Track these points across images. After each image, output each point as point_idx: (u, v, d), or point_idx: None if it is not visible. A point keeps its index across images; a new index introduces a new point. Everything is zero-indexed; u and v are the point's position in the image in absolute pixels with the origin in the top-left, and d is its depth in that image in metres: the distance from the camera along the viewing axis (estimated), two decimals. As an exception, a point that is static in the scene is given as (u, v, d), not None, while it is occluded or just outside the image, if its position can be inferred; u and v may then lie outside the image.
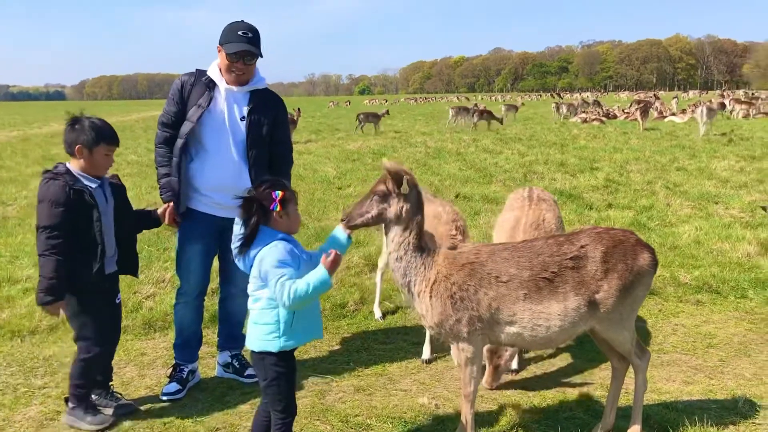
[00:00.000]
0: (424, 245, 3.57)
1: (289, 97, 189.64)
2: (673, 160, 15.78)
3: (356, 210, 3.57)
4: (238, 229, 3.24)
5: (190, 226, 4.49)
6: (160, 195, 4.48)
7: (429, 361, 5.08)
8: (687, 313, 6.08)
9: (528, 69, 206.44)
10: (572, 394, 4.50)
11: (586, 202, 10.78)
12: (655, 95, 36.24)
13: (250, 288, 3.29)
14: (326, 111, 59.84)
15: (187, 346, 4.70)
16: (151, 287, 6.54)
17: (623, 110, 36.96)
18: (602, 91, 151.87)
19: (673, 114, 33.95)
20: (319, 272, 3.11)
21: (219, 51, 4.39)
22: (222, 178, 4.39)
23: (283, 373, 3.29)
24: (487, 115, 29.49)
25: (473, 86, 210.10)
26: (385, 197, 3.52)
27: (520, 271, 3.45)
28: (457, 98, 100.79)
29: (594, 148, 18.89)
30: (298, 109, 26.90)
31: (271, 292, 3.15)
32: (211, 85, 4.39)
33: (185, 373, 4.63)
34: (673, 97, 54.47)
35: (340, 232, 3.55)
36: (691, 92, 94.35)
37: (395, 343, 5.47)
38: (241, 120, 4.41)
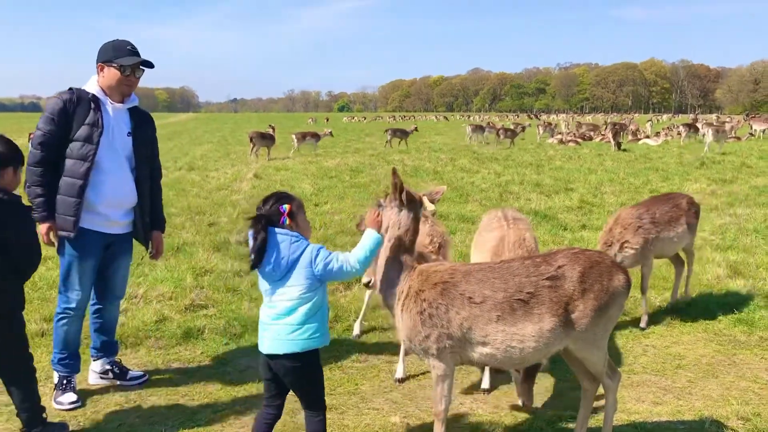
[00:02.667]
0: (401, 257, 3.66)
1: (268, 113, 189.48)
2: (646, 182, 16.03)
3: (366, 220, 3.80)
4: (251, 246, 3.41)
5: (82, 244, 4.48)
6: (35, 215, 4.34)
7: (402, 380, 5.09)
8: (657, 334, 6.15)
9: (506, 90, 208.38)
10: (543, 414, 4.53)
11: (561, 223, 10.89)
12: (619, 123, 36.82)
13: (297, 293, 3.37)
14: (305, 127, 59.81)
15: (74, 358, 4.72)
16: (124, 303, 6.46)
17: (599, 132, 37.43)
18: (579, 112, 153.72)
19: (648, 137, 34.45)
20: (370, 234, 3.53)
21: (102, 69, 4.47)
22: (119, 195, 4.55)
23: (319, 369, 3.52)
24: (510, 133, 31.13)
25: (451, 105, 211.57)
26: (381, 208, 3.80)
27: (495, 293, 3.45)
28: (435, 117, 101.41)
29: (569, 169, 19.12)
30: (272, 126, 26.87)
31: (340, 272, 3.42)
32: (96, 102, 4.42)
33: (74, 382, 4.71)
34: (648, 120, 55.35)
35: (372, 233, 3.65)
36: (665, 115, 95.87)
37: (369, 361, 5.47)
38: (127, 136, 4.58)
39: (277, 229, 3.39)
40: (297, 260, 3.37)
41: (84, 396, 4.71)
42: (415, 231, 3.74)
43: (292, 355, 3.38)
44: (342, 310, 6.52)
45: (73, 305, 4.59)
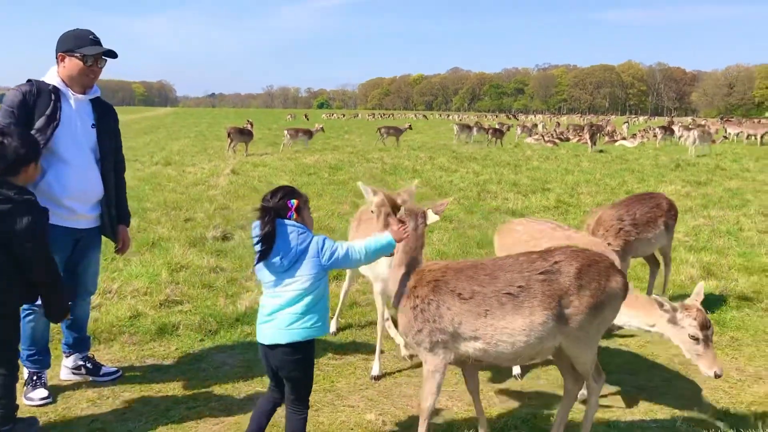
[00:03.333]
0: (405, 265, 3.79)
1: (246, 108, 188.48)
2: (622, 183, 16.19)
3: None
4: (256, 233, 3.46)
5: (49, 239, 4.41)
6: None
7: (378, 378, 5.09)
8: (631, 334, 6.21)
9: (485, 89, 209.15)
10: (518, 412, 4.55)
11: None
12: (596, 124, 37.21)
13: (298, 285, 3.43)
14: (284, 123, 59.59)
15: (43, 354, 4.66)
16: (98, 298, 6.39)
17: (576, 132, 37.76)
18: (556, 113, 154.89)
19: (624, 138, 34.82)
20: (385, 236, 3.60)
21: (63, 59, 4.38)
22: (84, 188, 4.47)
23: (311, 362, 3.59)
24: (498, 133, 31.62)
25: (431, 104, 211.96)
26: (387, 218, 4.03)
27: (484, 288, 3.53)
28: (415, 116, 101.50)
29: (546, 169, 19.26)
30: (249, 121, 26.71)
31: (345, 260, 3.52)
32: (57, 94, 4.35)
33: (45, 378, 4.66)
34: (624, 122, 55.91)
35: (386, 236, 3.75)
36: (641, 117, 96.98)
37: (345, 359, 5.46)
38: (91, 128, 4.52)
39: (285, 221, 3.47)
40: (305, 251, 3.45)
41: (55, 392, 4.64)
42: (421, 241, 3.85)
43: (293, 345, 3.44)
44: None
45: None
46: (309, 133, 27.31)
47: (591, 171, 18.79)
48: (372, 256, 3.62)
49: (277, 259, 3.44)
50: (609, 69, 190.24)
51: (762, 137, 34.16)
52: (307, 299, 3.45)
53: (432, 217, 3.87)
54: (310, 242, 3.47)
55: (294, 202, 3.48)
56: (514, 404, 4.70)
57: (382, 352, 5.29)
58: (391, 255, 3.79)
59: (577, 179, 16.84)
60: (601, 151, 27.40)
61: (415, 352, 3.89)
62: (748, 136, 35.71)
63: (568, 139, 35.07)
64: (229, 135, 23.50)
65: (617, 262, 5.10)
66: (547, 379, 5.16)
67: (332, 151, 25.05)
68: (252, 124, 26.11)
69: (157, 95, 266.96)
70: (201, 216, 10.93)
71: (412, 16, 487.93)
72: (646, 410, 4.61)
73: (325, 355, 5.50)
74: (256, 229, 3.49)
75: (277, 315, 3.46)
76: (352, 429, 4.24)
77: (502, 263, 3.66)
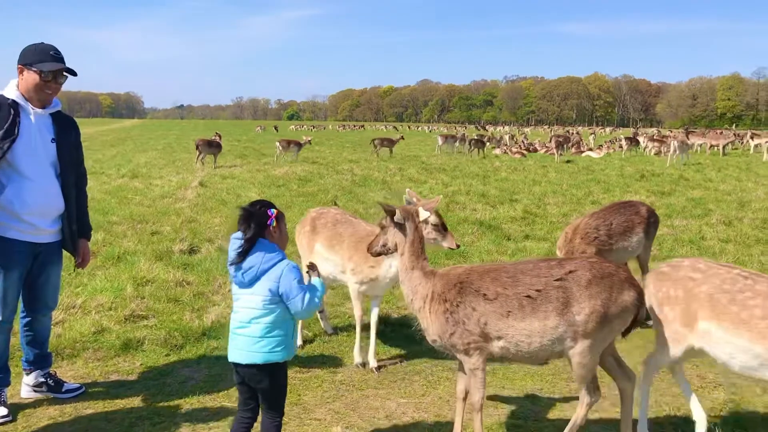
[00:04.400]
0: (419, 266, 3.93)
1: (215, 120, 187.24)
2: (588, 193, 16.42)
3: (373, 242, 4.15)
4: (237, 243, 3.54)
5: (7, 254, 4.36)
6: None
7: (363, 365, 5.50)
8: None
9: (454, 101, 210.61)
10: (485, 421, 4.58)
11: (505, 233, 11.07)
12: (564, 137, 37.76)
13: (254, 302, 3.47)
14: (252, 135, 59.37)
15: (2, 371, 4.60)
16: (61, 313, 6.30)
17: (544, 144, 38.21)
18: (524, 124, 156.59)
19: (590, 149, 35.32)
20: (318, 282, 3.61)
21: (22, 72, 4.35)
22: (44, 202, 4.43)
23: (281, 381, 3.62)
24: (480, 143, 32.12)
25: (401, 116, 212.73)
26: (384, 229, 4.07)
27: (506, 290, 3.73)
28: (385, 127, 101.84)
29: (514, 180, 19.46)
30: (218, 133, 26.59)
31: (295, 305, 3.46)
32: (16, 108, 4.31)
33: (4, 396, 4.58)
34: (591, 133, 56.75)
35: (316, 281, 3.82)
36: (608, 128, 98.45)
37: (312, 371, 5.44)
38: (51, 142, 4.47)
39: (260, 239, 3.51)
40: (266, 271, 3.47)
41: (16, 410, 4.56)
42: (420, 239, 4.02)
43: (256, 366, 3.48)
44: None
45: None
46: (299, 145, 27.75)
47: (558, 182, 19.02)
48: (312, 310, 3.57)
49: (240, 273, 3.49)
50: (576, 81, 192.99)
51: (724, 148, 34.93)
52: (265, 320, 3.46)
53: (423, 214, 4.07)
54: (275, 264, 3.49)
55: (274, 210, 3.58)
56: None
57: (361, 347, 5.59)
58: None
59: (544, 190, 17.04)
60: (568, 161, 27.77)
61: (448, 352, 3.98)
62: (711, 146, 36.47)
63: (535, 150, 35.47)
64: (197, 147, 23.32)
65: None
66: (511, 386, 5.20)
67: (302, 163, 25.01)
68: (220, 136, 25.96)
69: (125, 107, 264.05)
70: (168, 229, 10.83)
71: (381, 28, 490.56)
72: (608, 417, 4.67)
73: (291, 368, 5.43)
74: (234, 241, 3.57)
75: (239, 334, 3.53)
76: (318, 442, 4.23)
77: (523, 267, 3.84)
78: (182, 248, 9.23)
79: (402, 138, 36.11)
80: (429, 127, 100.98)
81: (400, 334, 6.35)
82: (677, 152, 26.50)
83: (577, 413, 4.02)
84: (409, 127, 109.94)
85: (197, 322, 6.33)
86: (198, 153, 23.20)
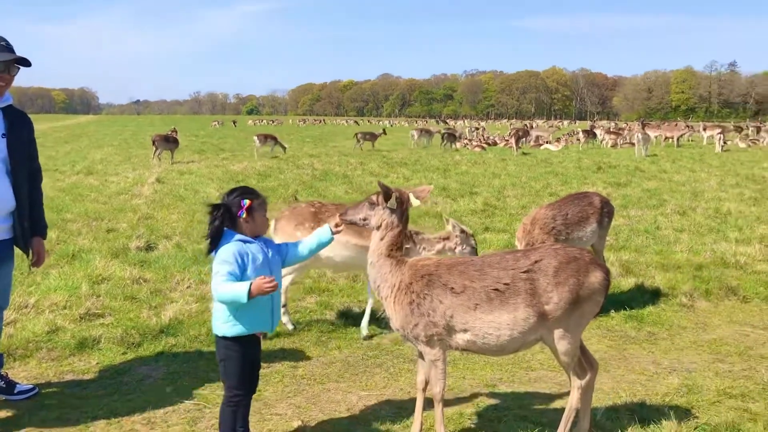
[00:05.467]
0: (394, 255, 3.92)
1: (172, 115, 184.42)
2: (546, 186, 16.63)
3: (351, 208, 4.10)
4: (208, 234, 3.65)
5: None
6: None
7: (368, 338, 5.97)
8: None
9: (415, 95, 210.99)
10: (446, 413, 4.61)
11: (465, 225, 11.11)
12: (522, 130, 38.33)
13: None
14: (211, 130, 58.66)
15: None
16: (13, 313, 6.13)
17: (503, 137, 38.56)
18: (484, 118, 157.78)
19: (548, 142, 35.76)
20: (244, 285, 3.44)
21: None
22: None
23: (232, 356, 3.66)
24: (452, 137, 33.05)
25: (362, 110, 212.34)
26: (372, 206, 3.99)
27: (473, 283, 3.73)
28: (346, 122, 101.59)
29: (474, 173, 19.60)
30: (174, 128, 26.23)
31: (213, 285, 3.54)
32: None
33: None
34: (549, 126, 57.46)
35: (326, 229, 4.01)
36: (565, 122, 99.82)
37: (273, 366, 5.39)
38: (2, 138, 4.36)
39: (228, 231, 3.63)
40: (216, 254, 3.62)
41: (-35, 413, 4.43)
42: (405, 229, 4.02)
43: (217, 339, 3.71)
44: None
45: None
46: (275, 139, 27.82)
47: (517, 174, 19.23)
48: (224, 302, 3.56)
49: (211, 255, 3.68)
50: (534, 75, 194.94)
51: (678, 139, 35.69)
52: (214, 294, 3.60)
53: (414, 202, 4.01)
54: (221, 246, 3.61)
55: (246, 202, 3.62)
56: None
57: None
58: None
59: (503, 183, 17.21)
60: (525, 153, 28.09)
61: (410, 342, 3.99)
62: (666, 138, 37.23)
63: (495, 144, 35.78)
64: (153, 143, 22.97)
65: None
66: (478, 382, 5.24)
67: (261, 158, 24.80)
68: (176, 132, 25.59)
69: (79, 102, 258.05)
70: (124, 226, 10.64)
71: (340, 21, 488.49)
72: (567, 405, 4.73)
73: (252, 364, 5.43)
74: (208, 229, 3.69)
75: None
76: (279, 437, 4.20)
77: (490, 260, 3.85)
78: (139, 245, 9.07)
79: (384, 133, 37.03)
80: (390, 122, 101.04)
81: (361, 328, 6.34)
82: (641, 143, 27.47)
83: (571, 398, 4.05)
84: (369, 122, 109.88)
85: (155, 319, 6.23)
86: (154, 149, 22.85)
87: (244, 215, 3.62)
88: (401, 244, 3.99)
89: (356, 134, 33.60)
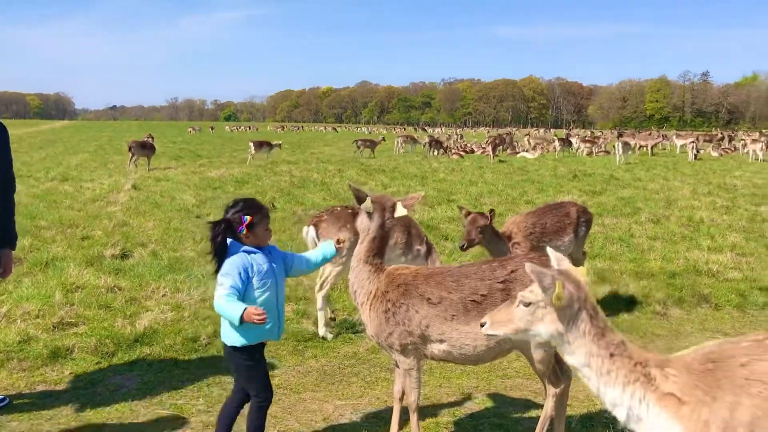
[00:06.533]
0: (372, 262, 3.91)
1: (149, 121, 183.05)
2: (522, 193, 16.75)
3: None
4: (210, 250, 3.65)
5: None
6: None
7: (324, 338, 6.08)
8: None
9: (393, 103, 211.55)
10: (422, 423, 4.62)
11: (443, 233, 11.19)
12: (500, 138, 38.67)
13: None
14: (188, 137, 58.27)
15: None
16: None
17: (480, 145, 38.77)
18: (462, 126, 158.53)
19: (525, 150, 36.02)
20: (238, 309, 3.41)
21: None
22: None
23: (246, 363, 3.69)
24: (438, 144, 33.57)
25: (341, 117, 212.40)
26: (358, 213, 4.07)
27: (451, 294, 3.72)
28: (324, 128, 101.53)
29: (452, 181, 19.67)
30: (150, 135, 26.04)
31: (216, 295, 3.53)
32: None
33: None
34: (525, 134, 57.88)
35: (330, 244, 4.00)
36: (542, 130, 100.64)
37: (248, 376, 5.37)
38: None
39: (232, 242, 3.62)
40: (222, 267, 3.61)
41: (-66, 425, 4.35)
42: (383, 237, 3.97)
43: (226, 346, 3.73)
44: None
45: None
46: (270, 146, 28.27)
47: (494, 182, 19.33)
48: (222, 311, 3.53)
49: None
50: (511, 83, 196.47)
51: (652, 148, 36.15)
52: None
53: (400, 211, 3.94)
54: (225, 263, 3.60)
55: (247, 218, 3.60)
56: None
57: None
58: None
59: (480, 190, 17.29)
60: (502, 161, 28.28)
61: (384, 350, 4.01)
62: (640, 146, 37.70)
63: (472, 151, 35.97)
64: (130, 149, 22.74)
65: None
66: (445, 385, 5.26)
67: (239, 165, 24.70)
68: (153, 138, 25.38)
69: (54, 108, 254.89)
70: (99, 233, 10.52)
71: (320, 29, 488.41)
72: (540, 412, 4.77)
73: (228, 373, 5.39)
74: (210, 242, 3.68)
75: None
76: (254, 447, 4.17)
77: (467, 270, 3.84)
78: (114, 253, 8.98)
79: (384, 140, 37.31)
80: (368, 129, 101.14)
81: (338, 338, 6.34)
82: (621, 151, 28.31)
83: (545, 406, 4.08)
84: (347, 128, 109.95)
85: (129, 328, 6.17)
86: (131, 155, 22.63)
87: (245, 231, 3.62)
88: (379, 251, 3.95)
89: (356, 141, 33.76)
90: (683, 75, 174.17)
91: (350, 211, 6.36)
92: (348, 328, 6.55)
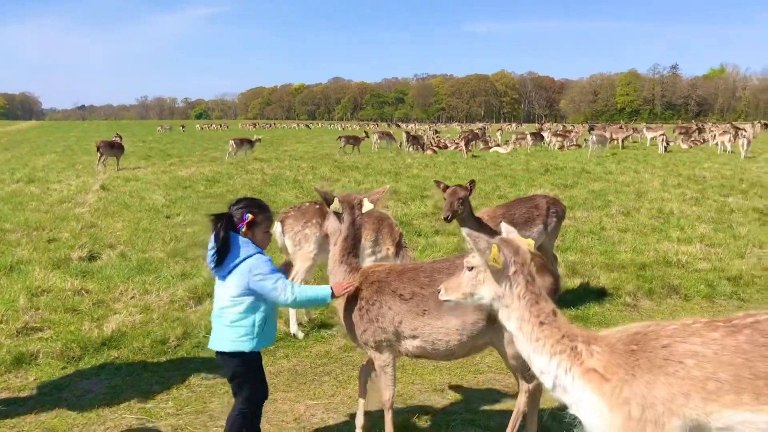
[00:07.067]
0: (347, 261, 3.92)
1: (119, 120, 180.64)
2: (495, 188, 16.80)
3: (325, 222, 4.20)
4: (211, 244, 3.56)
5: None
6: None
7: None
8: (503, 334, 6.43)
9: (366, 99, 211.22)
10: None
11: (415, 229, 11.17)
12: (473, 133, 38.76)
13: (228, 294, 3.56)
14: (158, 135, 57.62)
15: None
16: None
17: (454, 141, 38.85)
18: (435, 121, 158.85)
19: (498, 145, 36.17)
20: (323, 288, 3.62)
21: None
22: None
23: (248, 370, 3.67)
24: (415, 140, 33.34)
25: (314, 114, 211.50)
26: (326, 215, 4.10)
27: (422, 289, 3.73)
28: (297, 125, 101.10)
29: (425, 176, 19.66)
30: (118, 134, 25.65)
31: (272, 291, 3.52)
32: None
33: None
34: (498, 129, 58.19)
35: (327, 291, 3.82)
36: (514, 124, 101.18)
37: (218, 378, 5.28)
38: None
39: (235, 235, 3.58)
40: (237, 265, 3.54)
41: None
42: (355, 235, 3.98)
43: (224, 353, 3.63)
44: (191, 326, 6.28)
45: None
46: (251, 143, 28.64)
47: (467, 177, 19.32)
48: (306, 302, 3.68)
49: (216, 267, 3.60)
50: (483, 78, 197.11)
51: (623, 141, 36.51)
52: (233, 311, 3.56)
53: (367, 206, 3.99)
54: (246, 258, 3.55)
55: (249, 216, 3.60)
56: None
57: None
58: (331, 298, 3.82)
59: (453, 185, 17.28)
60: (475, 156, 28.37)
61: (361, 347, 4.04)
62: (611, 140, 38.04)
63: (446, 147, 36.03)
64: (98, 149, 22.37)
65: None
66: (421, 383, 5.24)
67: (210, 163, 24.46)
68: (121, 137, 24.99)
69: (20, 108, 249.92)
70: (66, 236, 10.32)
71: (290, 25, 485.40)
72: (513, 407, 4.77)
73: (197, 375, 5.33)
74: (212, 240, 3.57)
75: (215, 320, 3.65)
76: (224, 450, 4.12)
77: (440, 266, 3.85)
78: (81, 255, 8.82)
79: (367, 137, 37.55)
80: (342, 125, 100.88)
81: (310, 337, 6.29)
82: (597, 145, 28.93)
83: (518, 402, 4.06)
84: (320, 125, 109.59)
85: (97, 332, 6.05)
86: (99, 155, 22.26)
87: (244, 228, 3.60)
88: (353, 250, 3.95)
89: (340, 138, 33.98)
90: (653, 68, 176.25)
91: (318, 206, 6.35)
92: (320, 326, 6.49)
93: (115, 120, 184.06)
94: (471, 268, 2.93)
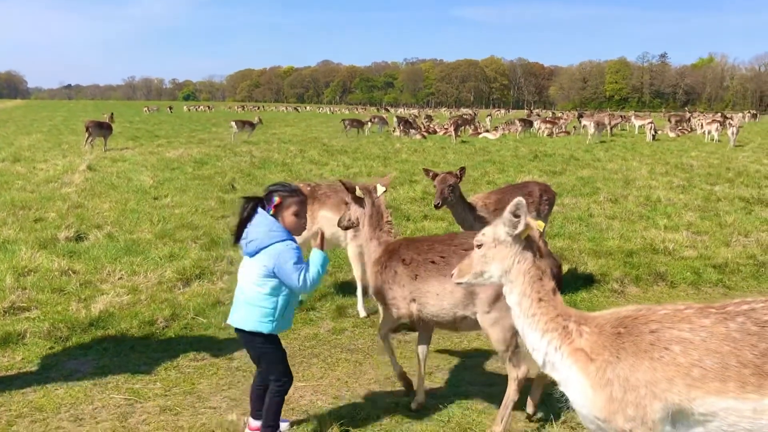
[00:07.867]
0: (375, 236, 4.44)
1: (106, 100, 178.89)
2: (484, 174, 16.82)
3: (342, 217, 4.78)
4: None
5: None
6: None
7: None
8: (490, 319, 6.46)
9: (355, 82, 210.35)
10: (380, 402, 4.61)
11: (404, 214, 11.18)
12: (462, 118, 38.71)
13: (255, 273, 3.66)
14: (145, 116, 57.18)
15: None
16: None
17: (443, 126, 38.83)
18: (425, 106, 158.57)
19: (487, 131, 36.19)
20: (317, 255, 3.75)
21: None
22: None
23: (271, 349, 3.80)
24: (408, 124, 33.59)
25: (302, 97, 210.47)
26: (348, 206, 4.68)
27: (419, 255, 4.18)
28: (285, 108, 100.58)
29: (414, 161, 19.66)
30: (110, 114, 25.43)
31: (294, 282, 3.64)
32: None
33: None
34: (487, 115, 58.17)
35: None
36: (503, 111, 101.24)
37: (207, 359, 5.30)
38: None
39: (263, 212, 3.72)
40: (265, 248, 3.65)
41: None
42: (379, 213, 4.49)
43: (244, 331, 3.74)
44: (180, 308, 6.27)
45: None
46: (252, 125, 29.21)
47: (456, 163, 19.34)
48: (315, 283, 3.77)
49: (244, 242, 3.72)
50: (473, 64, 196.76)
51: (612, 128, 36.63)
52: (257, 291, 3.67)
53: (380, 189, 4.49)
54: (274, 243, 3.65)
55: (276, 199, 3.72)
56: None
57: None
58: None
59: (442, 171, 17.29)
60: (464, 142, 28.38)
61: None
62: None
63: (435, 132, 36.01)
64: (87, 129, 22.19)
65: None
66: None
67: (198, 145, 24.31)
68: (113, 118, 24.80)
69: (5, 86, 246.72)
70: (53, 216, 10.26)
71: (280, 7, 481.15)
72: (502, 391, 4.79)
73: (185, 357, 5.32)
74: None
75: (237, 296, 3.78)
76: (213, 431, 4.12)
77: (444, 237, 4.37)
78: (68, 235, 8.76)
79: (373, 119, 37.91)
80: (331, 109, 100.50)
81: (298, 319, 6.29)
82: (594, 131, 29.95)
83: (508, 390, 4.08)
84: (309, 109, 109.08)
85: (84, 312, 6.03)
86: (87, 135, 22.08)
87: (272, 211, 3.73)
88: (378, 225, 4.45)
89: (343, 121, 34.45)
90: (642, 56, 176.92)
91: (308, 189, 6.37)
92: (308, 309, 6.50)
93: (102, 100, 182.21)
94: (480, 246, 3.01)
